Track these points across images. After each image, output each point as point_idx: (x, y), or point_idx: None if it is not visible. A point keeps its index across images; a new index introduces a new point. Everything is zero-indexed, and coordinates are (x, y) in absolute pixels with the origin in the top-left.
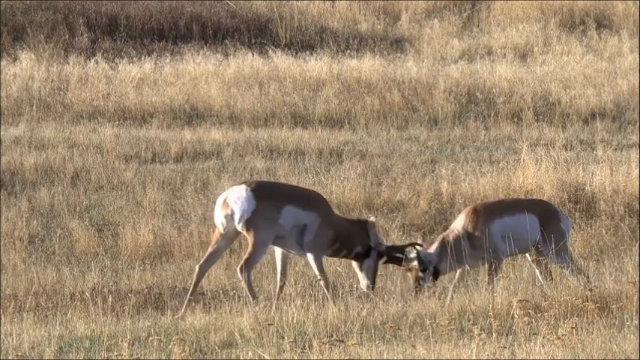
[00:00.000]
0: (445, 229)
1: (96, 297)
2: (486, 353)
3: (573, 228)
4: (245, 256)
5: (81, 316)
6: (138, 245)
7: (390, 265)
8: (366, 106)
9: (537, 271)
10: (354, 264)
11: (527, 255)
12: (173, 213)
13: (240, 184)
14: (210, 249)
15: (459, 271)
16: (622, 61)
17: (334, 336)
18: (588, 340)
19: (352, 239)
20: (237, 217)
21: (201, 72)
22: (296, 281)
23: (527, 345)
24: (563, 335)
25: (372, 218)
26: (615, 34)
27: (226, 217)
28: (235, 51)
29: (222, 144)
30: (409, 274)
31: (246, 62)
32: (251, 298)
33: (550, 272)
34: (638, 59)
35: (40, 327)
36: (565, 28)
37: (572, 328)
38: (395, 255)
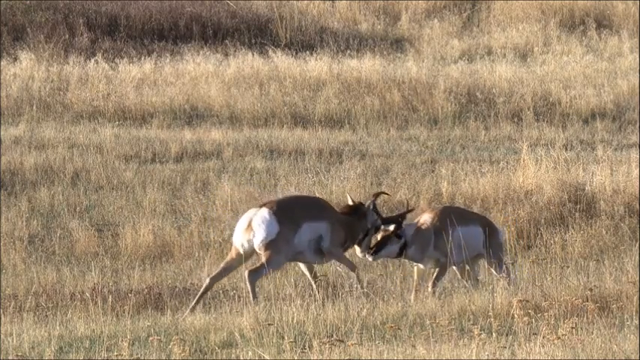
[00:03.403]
0: None
1: (96, 297)
2: (486, 353)
3: (573, 228)
4: (257, 265)
5: (81, 316)
6: (138, 245)
7: (390, 264)
8: (366, 106)
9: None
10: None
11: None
12: (173, 213)
13: (261, 206)
14: (224, 264)
15: (416, 269)
16: (622, 61)
17: (334, 336)
18: (588, 340)
19: (356, 230)
20: (258, 240)
21: (201, 72)
22: (296, 281)
23: (527, 345)
24: (563, 335)
25: (368, 202)
26: (615, 34)
27: (249, 240)
28: (235, 51)
29: (222, 144)
30: (378, 235)
31: (246, 62)
32: (252, 299)
33: (476, 279)
34: (638, 59)
35: (40, 327)
36: (565, 28)
37: (572, 328)
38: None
